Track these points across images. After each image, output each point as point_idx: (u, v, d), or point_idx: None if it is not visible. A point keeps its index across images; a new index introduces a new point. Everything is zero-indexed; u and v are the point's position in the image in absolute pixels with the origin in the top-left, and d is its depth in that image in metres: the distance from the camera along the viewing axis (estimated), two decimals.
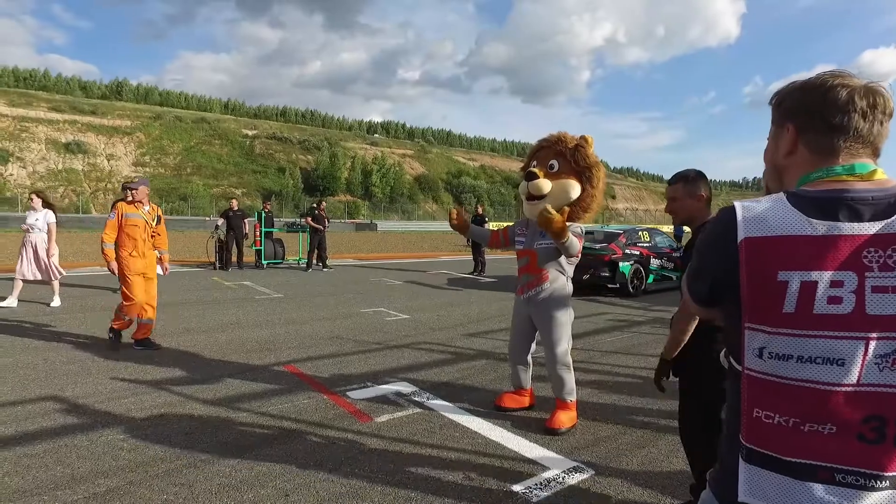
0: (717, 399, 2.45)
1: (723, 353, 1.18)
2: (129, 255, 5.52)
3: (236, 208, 13.09)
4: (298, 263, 14.54)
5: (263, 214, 13.76)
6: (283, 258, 14.15)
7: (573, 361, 3.81)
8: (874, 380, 0.87)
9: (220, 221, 12.85)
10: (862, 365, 0.87)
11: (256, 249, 13.68)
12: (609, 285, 10.21)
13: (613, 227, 12.17)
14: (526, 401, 4.05)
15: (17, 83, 70.28)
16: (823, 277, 0.88)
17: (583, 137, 3.82)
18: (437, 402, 4.11)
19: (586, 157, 3.73)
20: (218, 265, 12.77)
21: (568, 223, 3.70)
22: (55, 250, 7.70)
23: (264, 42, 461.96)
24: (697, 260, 1.07)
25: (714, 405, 2.41)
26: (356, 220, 47.57)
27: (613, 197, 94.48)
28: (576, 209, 3.74)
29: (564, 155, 3.75)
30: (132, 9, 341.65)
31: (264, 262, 13.58)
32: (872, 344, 0.87)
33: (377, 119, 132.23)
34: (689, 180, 2.55)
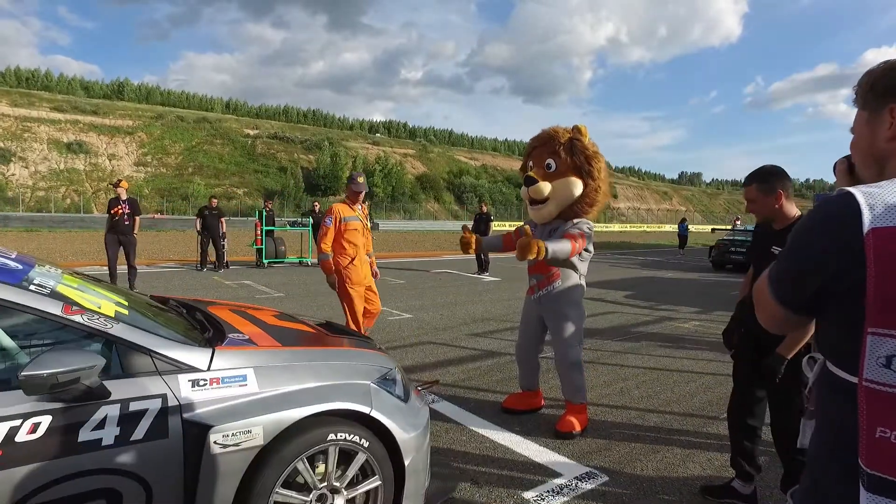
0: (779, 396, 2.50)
1: (805, 360, 1.05)
2: (351, 264, 4.85)
3: (214, 206, 12.80)
4: (301, 263, 14.43)
5: (265, 213, 13.64)
6: (283, 257, 14.03)
7: (583, 362, 3.68)
8: None
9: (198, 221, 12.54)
10: None
11: (257, 248, 13.57)
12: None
13: None
14: (535, 402, 3.92)
15: (19, 83, 70.36)
16: None
17: (576, 128, 3.62)
18: (442, 405, 3.98)
19: (583, 151, 3.53)
20: (218, 265, 12.65)
21: (576, 220, 3.56)
22: None
23: (267, 42, 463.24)
24: (794, 262, 0.92)
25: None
26: None
27: (615, 196, 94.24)
28: (581, 205, 3.58)
29: (559, 152, 3.55)
30: (137, 9, 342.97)
31: (265, 262, 13.47)
32: None
33: (379, 119, 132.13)
34: (764, 179, 2.44)
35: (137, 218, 9.13)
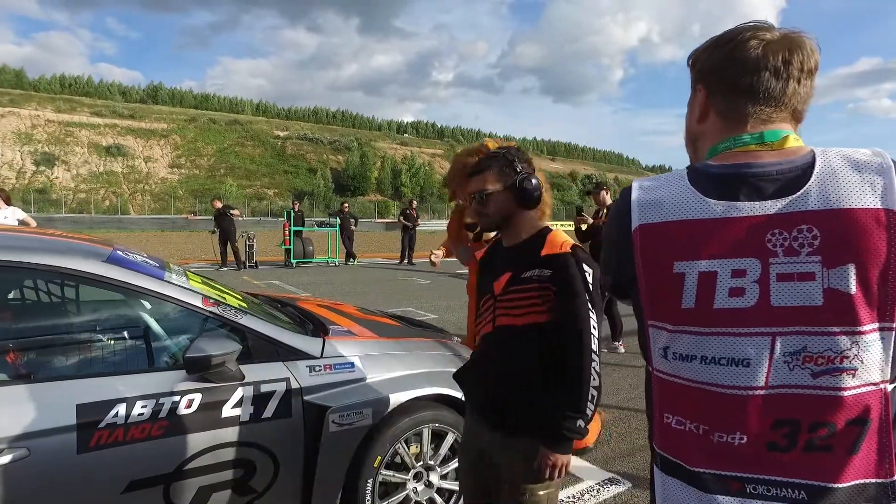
0: None
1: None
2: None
3: (220, 206, 12.68)
4: (328, 263, 14.61)
5: (293, 214, 13.85)
6: (311, 257, 14.24)
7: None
8: (784, 380, 0.74)
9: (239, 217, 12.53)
10: (769, 364, 0.74)
11: (286, 248, 13.78)
12: None
13: None
14: None
15: (63, 89, 73.21)
16: (724, 266, 0.76)
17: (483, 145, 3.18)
18: None
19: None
20: (248, 264, 12.90)
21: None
22: None
23: (302, 46, 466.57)
24: (603, 249, 0.94)
25: None
26: (386, 220, 47.82)
27: None
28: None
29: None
30: (178, 18, 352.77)
31: (293, 262, 13.68)
32: (780, 340, 0.74)
33: (409, 119, 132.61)
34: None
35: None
